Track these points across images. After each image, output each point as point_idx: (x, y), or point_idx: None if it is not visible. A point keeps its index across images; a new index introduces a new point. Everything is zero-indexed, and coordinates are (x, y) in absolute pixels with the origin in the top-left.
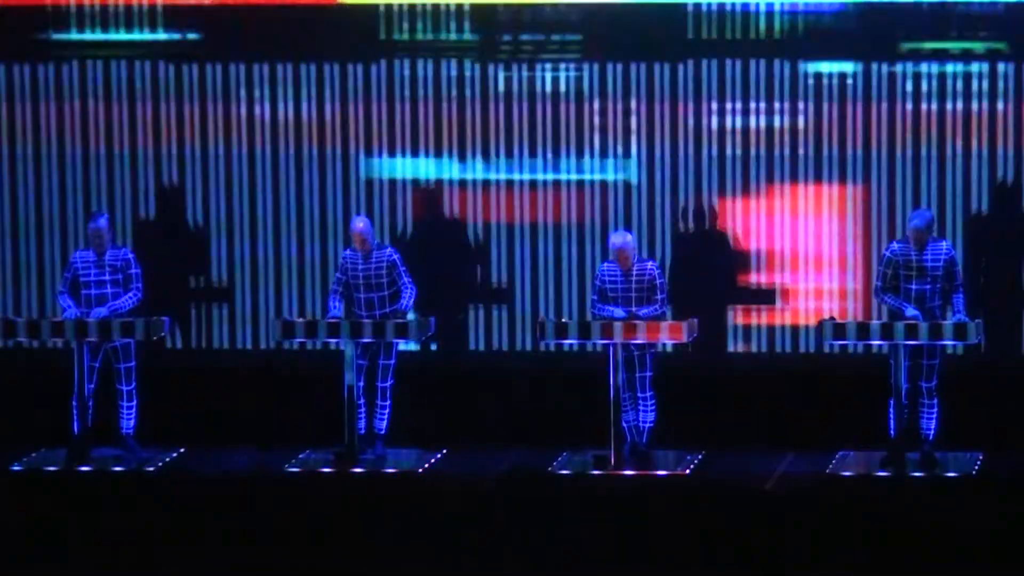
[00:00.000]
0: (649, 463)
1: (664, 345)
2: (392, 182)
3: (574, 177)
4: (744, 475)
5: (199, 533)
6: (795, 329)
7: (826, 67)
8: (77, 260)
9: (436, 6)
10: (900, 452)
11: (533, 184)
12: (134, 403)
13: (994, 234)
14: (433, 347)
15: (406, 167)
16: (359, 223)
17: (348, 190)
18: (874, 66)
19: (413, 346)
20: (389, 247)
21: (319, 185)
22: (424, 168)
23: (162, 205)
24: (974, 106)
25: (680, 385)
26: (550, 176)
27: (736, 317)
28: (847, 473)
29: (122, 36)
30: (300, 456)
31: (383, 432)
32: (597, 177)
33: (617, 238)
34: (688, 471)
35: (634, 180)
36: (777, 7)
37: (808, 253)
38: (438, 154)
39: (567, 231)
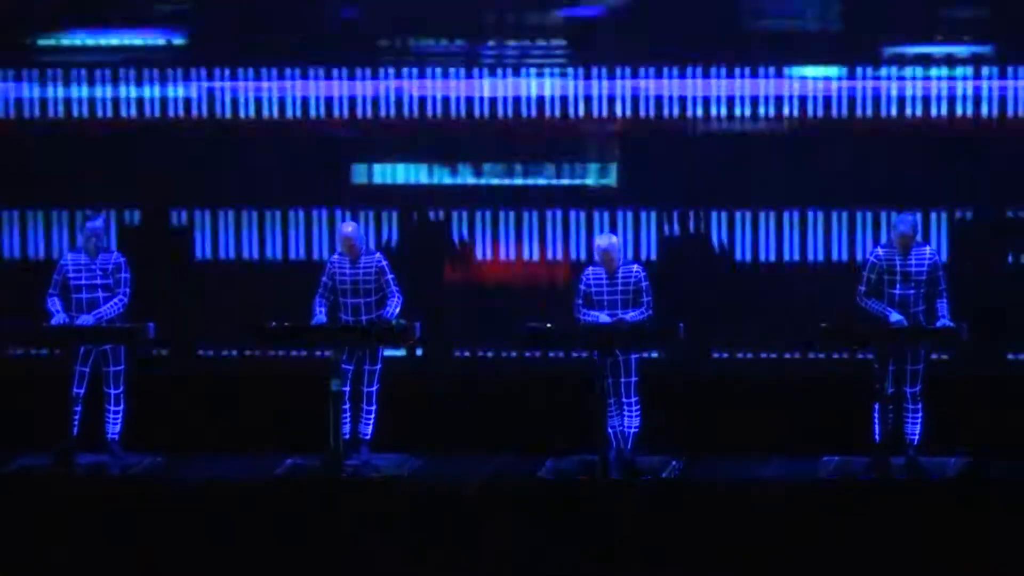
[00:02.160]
0: (634, 469)
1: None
2: (378, 188)
3: (560, 182)
4: (729, 481)
5: (183, 539)
6: (780, 334)
7: (811, 72)
8: (68, 263)
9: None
10: (885, 457)
11: (519, 189)
12: (121, 408)
13: (978, 239)
14: (419, 352)
15: (392, 173)
16: (348, 228)
17: (335, 196)
18: (858, 71)
19: (399, 351)
20: (378, 252)
21: (306, 191)
22: (410, 174)
23: (146, 213)
24: (958, 110)
25: (665, 390)
26: (535, 181)
27: (721, 322)
28: (832, 478)
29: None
30: (286, 462)
31: (368, 437)
32: (580, 181)
33: (603, 240)
34: (673, 476)
35: (616, 185)
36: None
37: (793, 257)
38: (424, 160)
39: (552, 236)
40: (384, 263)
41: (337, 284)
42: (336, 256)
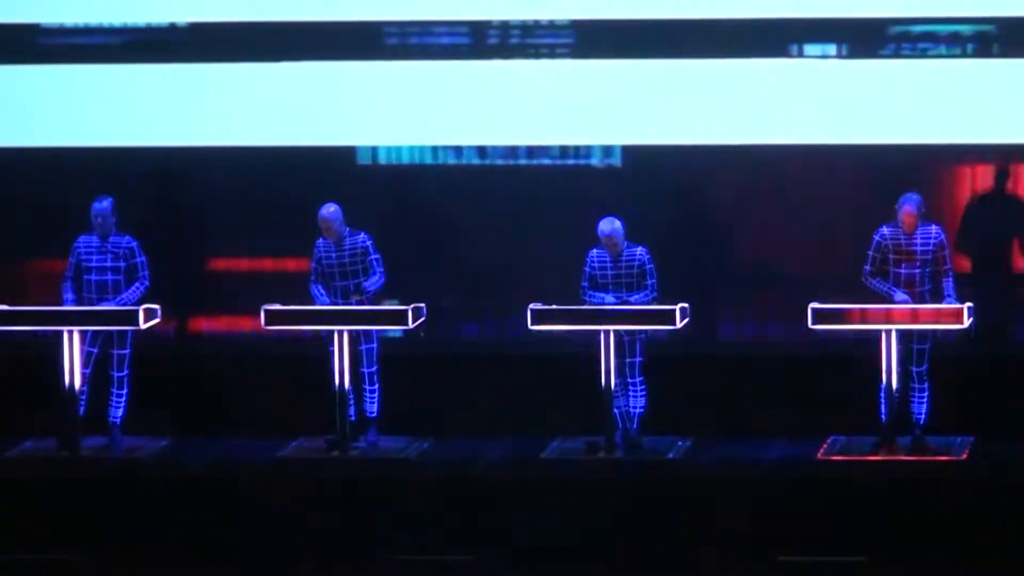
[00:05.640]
0: (640, 449)
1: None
2: (382, 168)
3: (564, 162)
4: (735, 461)
5: (188, 522)
6: (785, 314)
7: (813, 50)
8: (80, 245)
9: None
10: (891, 437)
11: (523, 169)
12: (125, 391)
13: (984, 218)
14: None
15: (396, 153)
16: (328, 211)
17: (338, 176)
18: (862, 49)
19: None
20: (362, 233)
21: (310, 171)
22: (414, 154)
23: (154, 193)
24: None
25: (670, 371)
26: (539, 161)
27: (726, 302)
28: (838, 458)
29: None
30: (292, 444)
31: (374, 415)
32: (584, 162)
33: (605, 225)
34: (679, 457)
35: (620, 165)
36: None
37: (798, 237)
38: (428, 139)
39: (558, 216)
40: (369, 243)
41: (324, 268)
42: (320, 240)
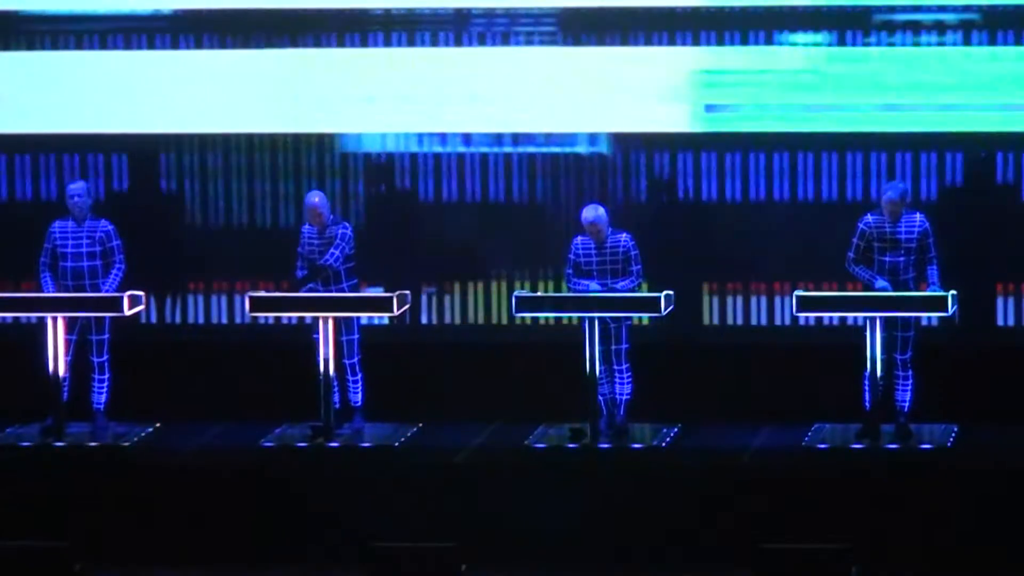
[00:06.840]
0: (625, 437)
1: (640, 318)
2: (367, 156)
3: (549, 150)
4: (721, 448)
5: (173, 508)
6: (770, 301)
7: (799, 38)
8: (55, 230)
9: None
10: (875, 424)
11: (507, 157)
12: (106, 376)
13: (967, 205)
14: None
15: (381, 141)
16: (313, 198)
17: (323, 163)
18: (848, 36)
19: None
20: (344, 223)
21: (294, 158)
22: (399, 142)
23: (135, 178)
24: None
25: (656, 358)
26: (524, 149)
27: (711, 289)
28: (822, 446)
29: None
30: (276, 431)
31: (359, 404)
32: (570, 150)
33: (589, 212)
34: (664, 444)
35: (607, 152)
36: None
37: (783, 224)
38: (413, 127)
39: (542, 203)
40: (344, 232)
41: (307, 255)
42: (306, 227)
